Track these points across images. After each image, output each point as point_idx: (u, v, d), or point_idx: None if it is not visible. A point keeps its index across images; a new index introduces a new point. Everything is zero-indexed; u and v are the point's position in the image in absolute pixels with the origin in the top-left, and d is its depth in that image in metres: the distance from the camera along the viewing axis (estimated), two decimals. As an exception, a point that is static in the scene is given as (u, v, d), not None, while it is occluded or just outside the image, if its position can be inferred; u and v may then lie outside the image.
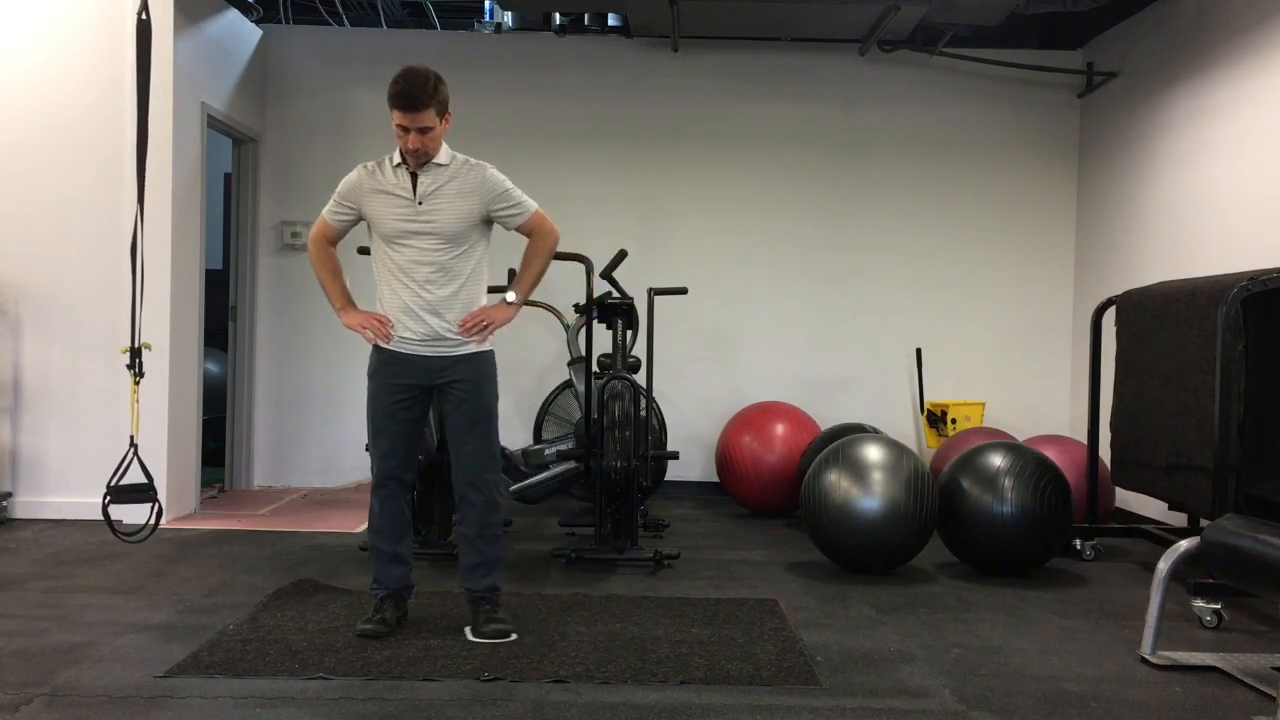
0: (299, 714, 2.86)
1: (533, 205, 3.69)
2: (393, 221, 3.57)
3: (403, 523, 3.70)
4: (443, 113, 3.51)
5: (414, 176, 3.56)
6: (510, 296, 3.70)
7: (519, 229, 3.70)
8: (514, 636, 3.54)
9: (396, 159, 3.59)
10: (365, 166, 3.65)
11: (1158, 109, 5.99)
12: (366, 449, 5.03)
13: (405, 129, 3.46)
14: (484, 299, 3.69)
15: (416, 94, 3.43)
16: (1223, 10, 5.41)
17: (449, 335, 3.59)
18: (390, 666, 3.24)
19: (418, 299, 3.57)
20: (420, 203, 3.55)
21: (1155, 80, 6.04)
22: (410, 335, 3.59)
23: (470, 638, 3.54)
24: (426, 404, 3.72)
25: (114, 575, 4.40)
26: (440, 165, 3.57)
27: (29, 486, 5.59)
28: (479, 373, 3.63)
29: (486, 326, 3.61)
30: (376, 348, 3.66)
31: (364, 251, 5.10)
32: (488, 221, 3.66)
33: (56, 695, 2.97)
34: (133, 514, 4.75)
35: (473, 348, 3.62)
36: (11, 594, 4.06)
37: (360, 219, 3.68)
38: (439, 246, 3.56)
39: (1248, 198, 5.12)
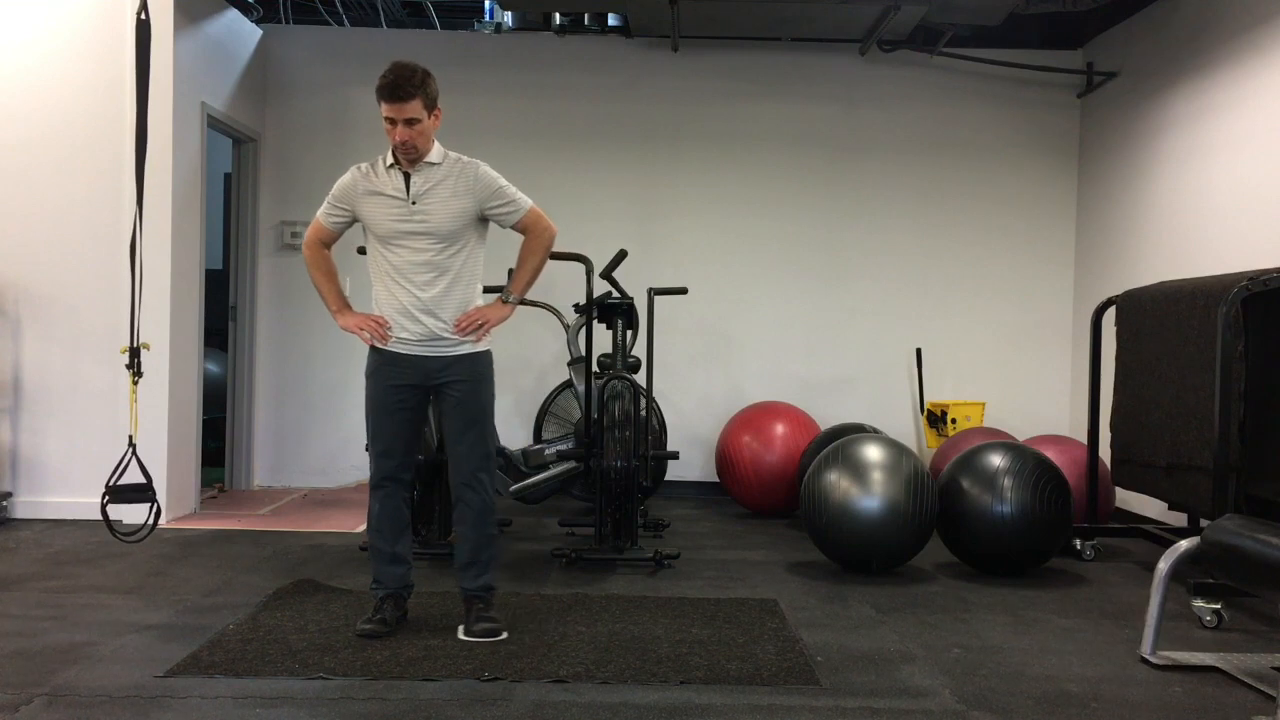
0: (299, 714, 2.86)
1: (528, 202, 3.68)
2: (387, 222, 3.56)
3: (401, 522, 3.70)
4: (431, 107, 3.50)
5: (407, 176, 3.56)
6: (506, 295, 3.71)
7: (514, 227, 3.69)
8: (504, 635, 3.54)
9: (389, 159, 3.58)
10: (359, 168, 3.64)
11: (1158, 109, 5.99)
12: (366, 449, 5.07)
13: (393, 121, 3.45)
14: (480, 298, 3.69)
15: (403, 84, 3.43)
16: (1222, 10, 5.42)
17: (445, 335, 3.59)
18: (390, 666, 3.24)
19: (413, 299, 3.56)
20: (414, 202, 3.54)
21: (1155, 80, 6.04)
22: (407, 335, 3.59)
23: (461, 636, 3.55)
24: (425, 404, 3.72)
25: (114, 575, 4.40)
26: (433, 164, 3.57)
27: (29, 486, 5.59)
28: (475, 373, 3.63)
29: (482, 326, 3.61)
30: (374, 348, 3.66)
31: (364, 252, 5.13)
32: (483, 220, 3.65)
33: (56, 695, 2.97)
34: (131, 514, 4.75)
35: (469, 347, 3.62)
36: (11, 594, 4.06)
37: (355, 220, 3.68)
38: (433, 246, 3.56)
39: (1247, 198, 5.12)
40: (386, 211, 3.56)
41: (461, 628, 3.59)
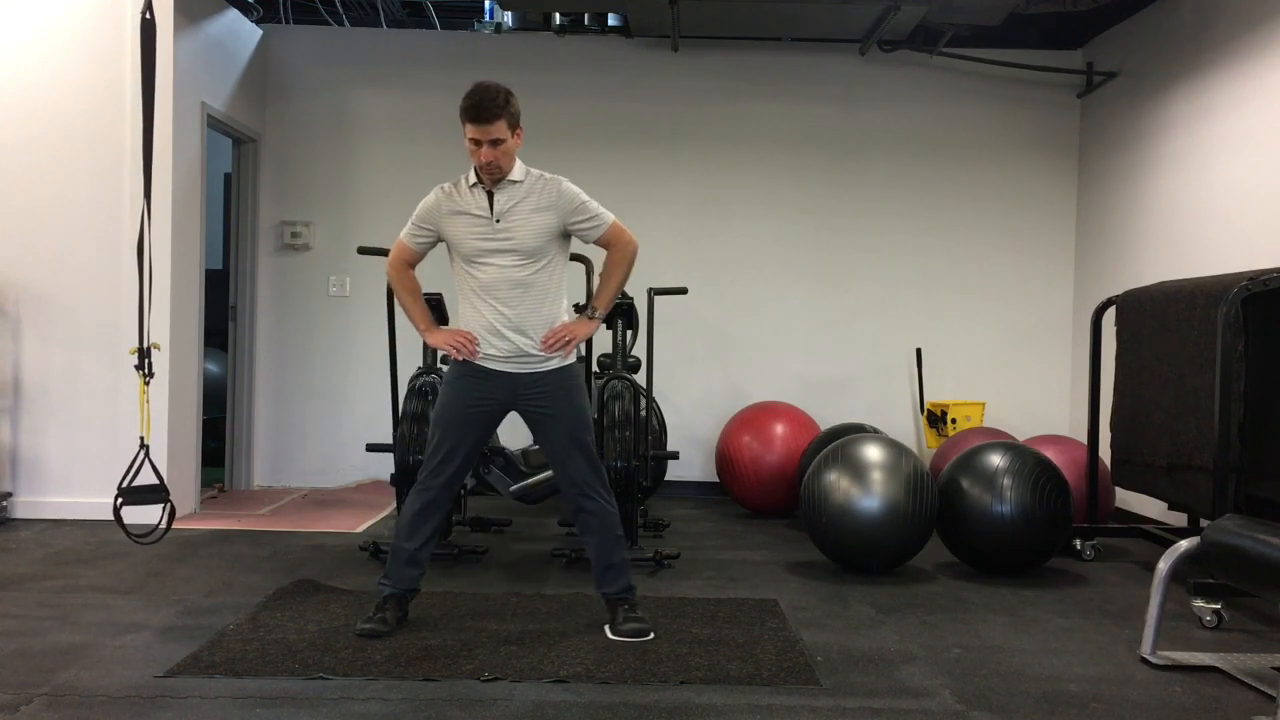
0: (299, 714, 2.86)
1: (610, 217, 3.69)
2: (471, 240, 3.57)
3: (433, 530, 3.70)
4: (514, 126, 3.52)
5: (490, 195, 3.57)
6: (592, 311, 3.72)
7: (597, 241, 3.70)
8: (652, 635, 3.57)
9: (472, 179, 3.60)
10: (442, 188, 3.66)
11: (1158, 109, 5.99)
12: (367, 448, 5.07)
13: (478, 142, 3.46)
14: (565, 313, 3.69)
15: (488, 105, 3.44)
16: (1222, 10, 5.42)
17: (533, 352, 3.59)
18: (390, 666, 3.24)
19: (500, 317, 3.58)
20: (498, 220, 3.55)
21: (1155, 80, 6.04)
22: (495, 352, 3.60)
23: (610, 636, 3.58)
24: (498, 421, 3.74)
25: (114, 575, 4.40)
26: (515, 182, 3.58)
27: (29, 486, 5.59)
28: (568, 385, 3.65)
29: (569, 341, 3.62)
30: (458, 361, 3.67)
31: (364, 251, 5.13)
32: (565, 235, 3.66)
33: (56, 695, 2.97)
34: (139, 515, 4.74)
35: (556, 362, 3.64)
36: (11, 594, 4.06)
37: (439, 240, 3.70)
38: (518, 263, 3.56)
39: (1247, 197, 5.12)
40: (471, 230, 3.57)
41: (608, 628, 3.63)
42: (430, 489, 3.66)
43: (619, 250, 3.71)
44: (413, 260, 3.78)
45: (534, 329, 3.59)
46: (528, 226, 3.56)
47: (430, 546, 3.72)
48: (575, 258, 5.15)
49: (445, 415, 3.67)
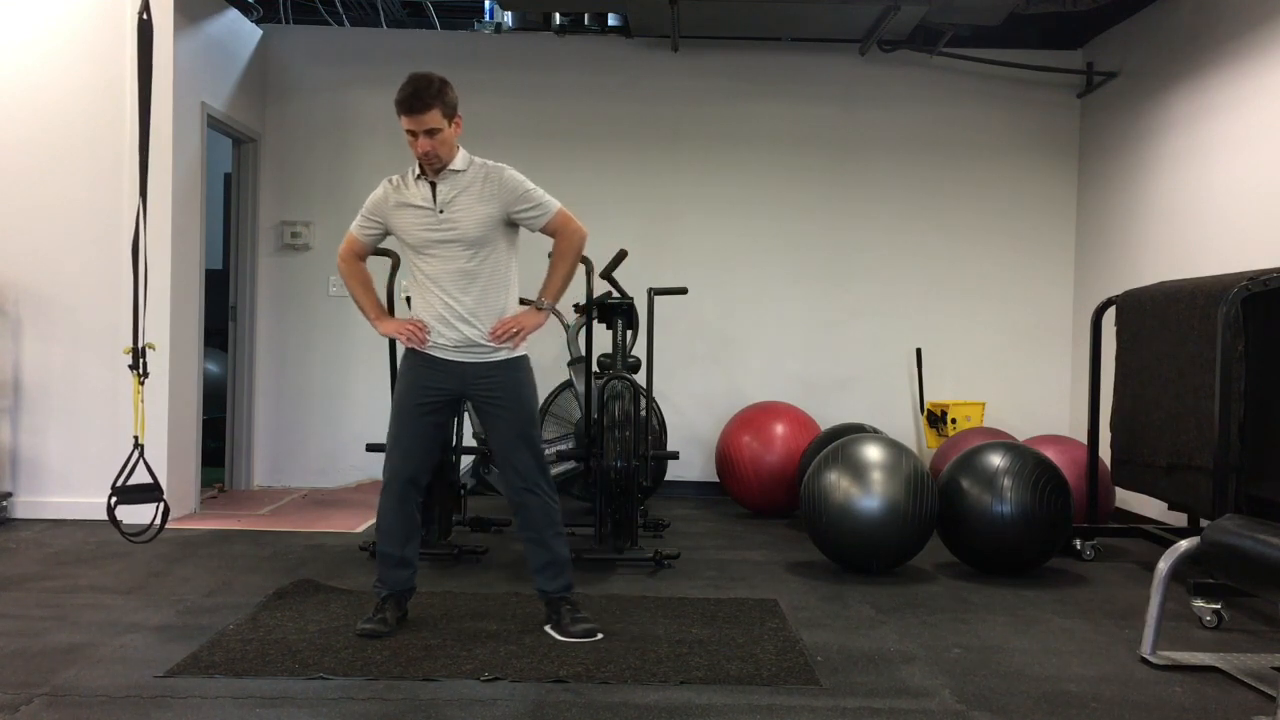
0: (299, 714, 2.86)
1: (555, 204, 3.68)
2: (417, 231, 3.59)
3: (412, 526, 3.70)
4: (450, 115, 3.52)
5: (433, 185, 3.57)
6: (540, 301, 3.70)
7: (543, 230, 3.69)
8: (600, 636, 3.56)
9: (417, 170, 3.60)
10: (389, 181, 3.67)
11: (1158, 109, 5.99)
12: (367, 448, 5.06)
13: (414, 133, 3.48)
14: (515, 303, 3.69)
15: (421, 96, 3.45)
16: (1222, 10, 5.42)
17: (481, 342, 3.60)
18: (390, 666, 3.24)
19: (448, 307, 3.58)
20: (441, 211, 3.56)
21: (1155, 80, 6.04)
22: (444, 341, 3.61)
23: (556, 636, 3.56)
24: (453, 410, 3.74)
25: (114, 575, 4.40)
26: (457, 171, 3.58)
27: (29, 486, 5.59)
28: (516, 379, 3.65)
29: (518, 333, 3.62)
30: (410, 350, 3.67)
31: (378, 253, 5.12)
32: (511, 224, 3.66)
33: (56, 695, 2.97)
34: (135, 514, 4.74)
35: (505, 353, 3.63)
36: (11, 594, 4.06)
37: (388, 232, 3.72)
38: (464, 253, 3.57)
39: (1248, 197, 5.12)
40: (416, 221, 3.58)
41: (551, 628, 3.60)
42: (396, 487, 3.65)
43: (565, 239, 3.69)
44: (362, 253, 3.79)
45: (482, 319, 3.59)
46: (471, 216, 3.56)
47: (415, 543, 3.72)
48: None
49: (399, 409, 3.67)
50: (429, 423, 3.66)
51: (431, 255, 3.59)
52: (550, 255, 3.75)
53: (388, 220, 3.67)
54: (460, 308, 3.57)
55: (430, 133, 3.47)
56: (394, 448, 3.67)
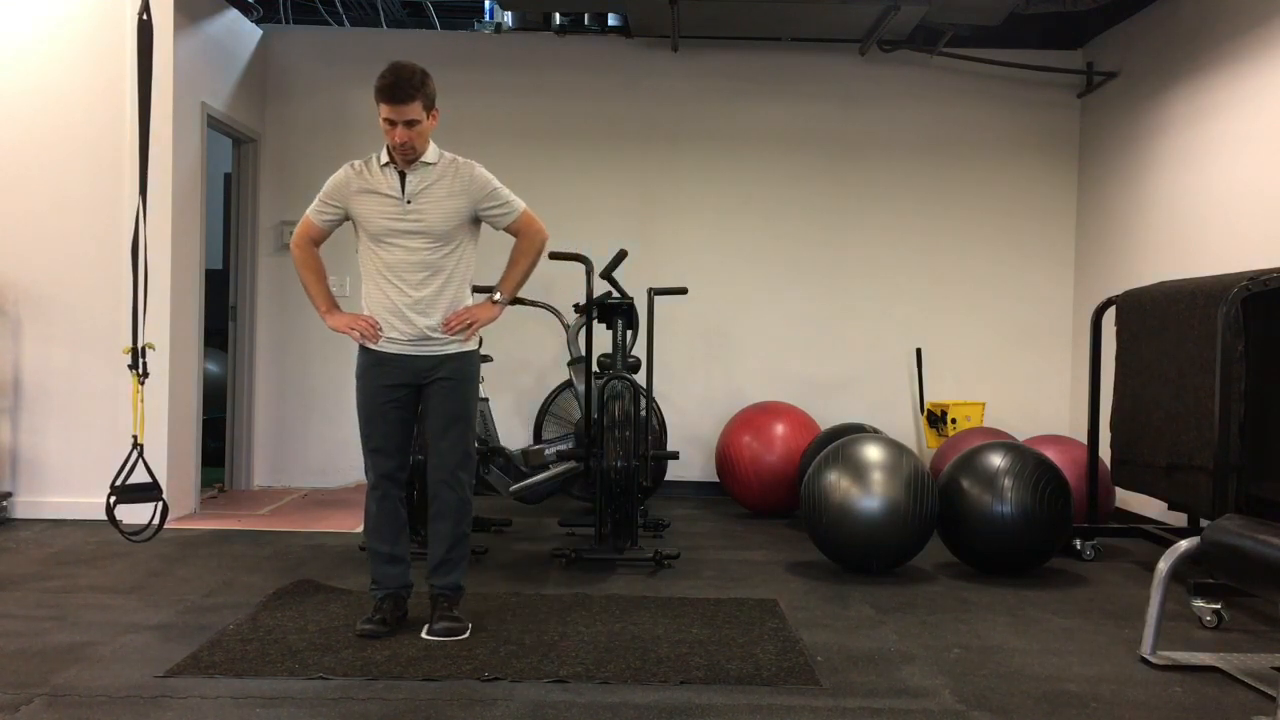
0: (299, 714, 2.86)
1: (520, 205, 3.69)
2: (380, 220, 3.57)
3: (399, 523, 3.70)
4: (430, 108, 3.51)
5: (402, 175, 3.56)
6: (496, 295, 3.71)
7: (507, 229, 3.71)
8: (466, 635, 3.54)
9: (384, 158, 3.58)
10: (352, 165, 3.65)
11: (1158, 109, 5.99)
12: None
13: (392, 122, 3.46)
14: (469, 298, 3.70)
15: (403, 86, 3.44)
16: (1223, 10, 5.42)
17: (435, 335, 3.60)
18: (390, 666, 3.24)
19: (405, 298, 3.57)
20: (408, 201, 3.55)
21: (1155, 80, 6.04)
22: (398, 335, 3.60)
23: (424, 635, 3.54)
24: (416, 402, 3.72)
25: (114, 575, 4.40)
26: (428, 164, 3.58)
27: (29, 486, 5.59)
28: (462, 372, 3.65)
29: (470, 325, 3.62)
30: (363, 349, 3.67)
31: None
32: (475, 221, 3.67)
33: (56, 695, 2.97)
34: (135, 514, 4.75)
35: (457, 347, 3.64)
36: (11, 594, 4.06)
37: (346, 218, 3.68)
38: (427, 246, 3.57)
39: (1248, 197, 5.12)
40: (380, 209, 3.57)
41: (425, 629, 3.58)
42: (379, 487, 3.66)
43: (527, 239, 3.71)
44: (318, 238, 3.74)
45: (437, 312, 3.58)
46: (438, 210, 3.56)
47: (404, 542, 3.72)
48: (574, 257, 5.18)
49: (364, 409, 3.67)
50: (395, 419, 3.66)
51: (392, 245, 3.57)
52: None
53: (348, 205, 3.63)
54: (417, 299, 3.56)
55: (409, 123, 3.46)
56: (366, 448, 3.68)
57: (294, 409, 6.94)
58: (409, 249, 3.56)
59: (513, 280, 3.72)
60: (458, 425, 3.63)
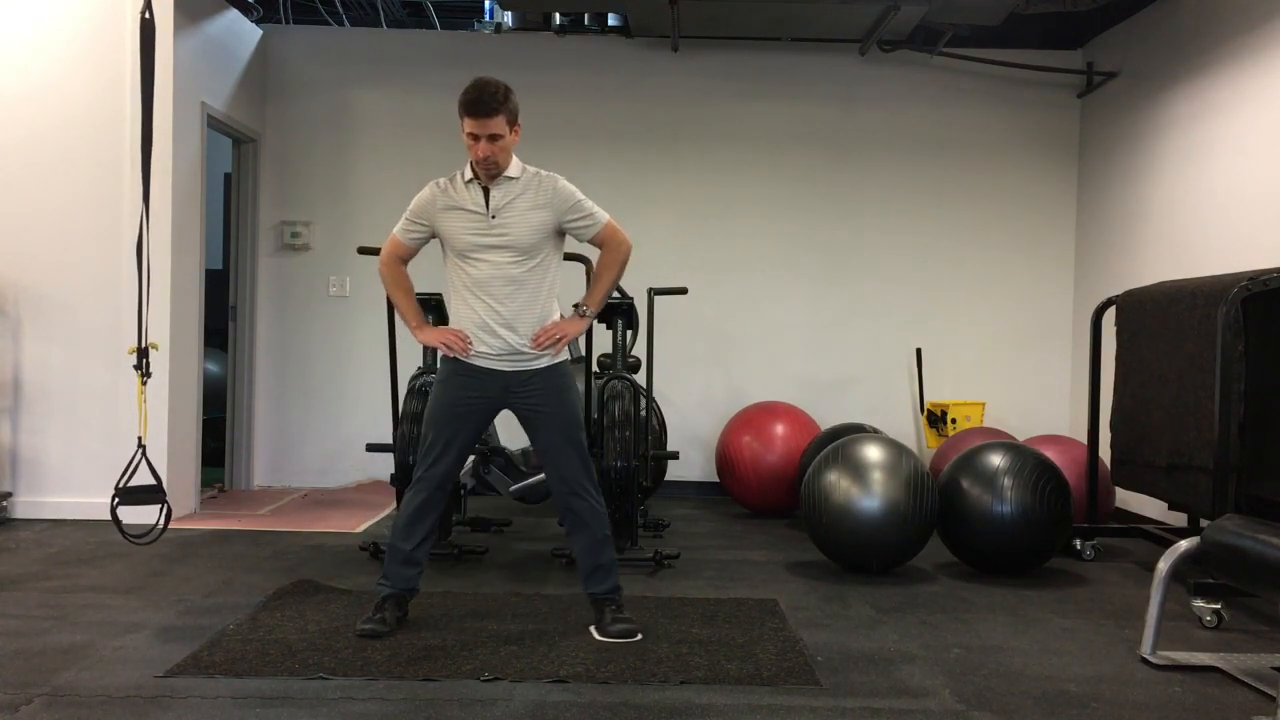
0: (299, 714, 2.86)
1: (605, 216, 3.69)
2: (466, 236, 3.57)
3: (429, 528, 3.70)
4: (513, 122, 3.53)
5: (486, 191, 3.57)
6: (583, 309, 3.71)
7: (591, 240, 3.71)
8: (640, 636, 3.56)
9: (468, 174, 3.59)
10: (437, 184, 3.65)
11: (1158, 109, 5.99)
12: (367, 448, 5.07)
13: (476, 137, 3.47)
14: (557, 311, 3.69)
15: (488, 100, 3.45)
16: (1223, 10, 5.42)
17: (524, 349, 3.59)
18: (390, 666, 3.24)
19: (493, 313, 3.57)
20: (493, 216, 3.55)
21: (1155, 80, 6.04)
22: (486, 350, 3.60)
23: (597, 637, 3.57)
24: (490, 417, 3.73)
25: (114, 575, 4.40)
26: (511, 178, 3.58)
27: (29, 486, 5.59)
28: (559, 384, 3.65)
29: (560, 339, 3.62)
30: (448, 359, 3.67)
31: (364, 251, 5.13)
32: (560, 233, 3.67)
33: (56, 695, 2.97)
34: (137, 515, 4.74)
35: (547, 360, 3.64)
36: (11, 594, 4.06)
37: (433, 236, 3.69)
38: (513, 260, 3.56)
39: (1248, 198, 5.12)
40: (466, 226, 3.57)
41: (594, 629, 3.62)
42: (425, 488, 3.65)
43: (612, 251, 3.71)
44: (406, 256, 3.76)
45: (526, 326, 3.58)
46: (523, 223, 3.56)
47: (427, 546, 3.72)
48: (574, 257, 5.17)
49: (437, 413, 3.67)
50: (466, 430, 3.66)
51: (479, 260, 3.57)
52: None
53: (434, 223, 3.64)
54: (505, 314, 3.57)
55: (493, 138, 3.47)
56: (428, 453, 3.66)
57: (294, 409, 6.94)
58: (495, 264, 3.56)
59: (600, 293, 3.71)
60: (573, 438, 3.63)
